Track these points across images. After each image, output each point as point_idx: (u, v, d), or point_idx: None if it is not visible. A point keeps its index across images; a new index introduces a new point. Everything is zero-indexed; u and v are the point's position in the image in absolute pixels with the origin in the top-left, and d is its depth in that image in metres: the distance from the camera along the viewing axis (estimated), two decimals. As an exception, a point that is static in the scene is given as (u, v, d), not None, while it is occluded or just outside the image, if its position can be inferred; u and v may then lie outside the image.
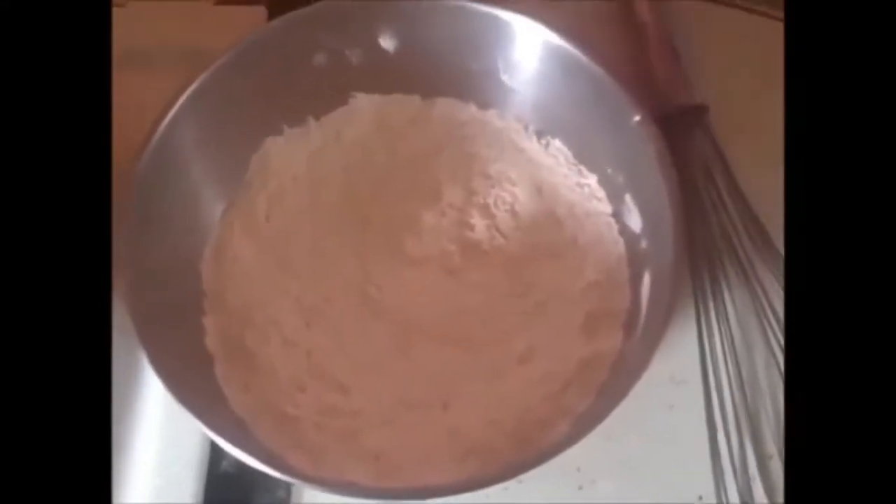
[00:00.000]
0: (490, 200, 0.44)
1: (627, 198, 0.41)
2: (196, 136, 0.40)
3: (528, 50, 0.42)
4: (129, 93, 0.41)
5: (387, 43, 0.44)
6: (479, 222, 0.44)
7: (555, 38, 0.41)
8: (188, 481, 0.39)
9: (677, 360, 0.41)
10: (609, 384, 0.38)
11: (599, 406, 0.37)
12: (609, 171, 0.42)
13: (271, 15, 0.48)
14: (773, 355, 0.40)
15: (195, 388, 0.36)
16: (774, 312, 0.40)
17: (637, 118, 0.39)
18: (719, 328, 0.41)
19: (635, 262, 0.41)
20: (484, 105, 0.45)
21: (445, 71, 0.44)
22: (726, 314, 0.41)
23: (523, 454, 0.37)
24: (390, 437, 0.38)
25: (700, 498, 0.38)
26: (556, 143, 0.44)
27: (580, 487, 0.39)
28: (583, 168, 0.44)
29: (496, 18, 0.42)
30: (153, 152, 0.38)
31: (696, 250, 0.42)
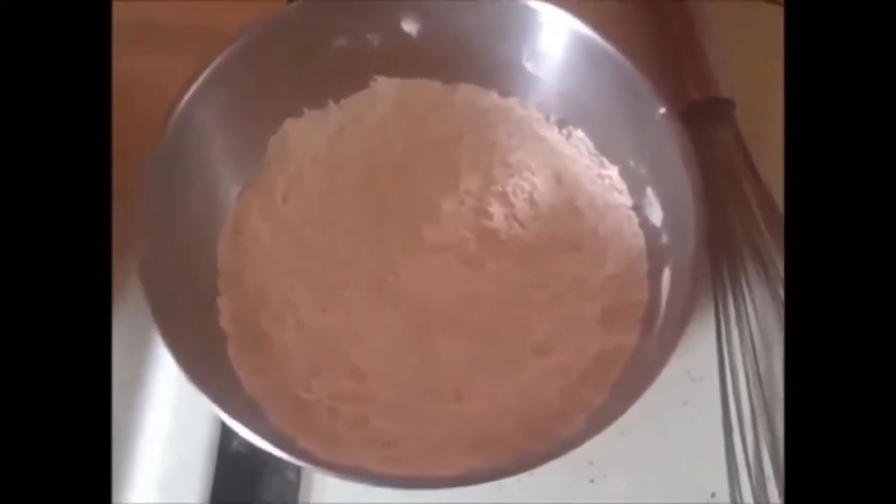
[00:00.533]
0: (509, 189, 0.44)
1: (649, 191, 0.41)
2: (215, 115, 0.40)
3: (555, 39, 0.41)
4: (146, 72, 0.42)
5: (409, 27, 0.43)
6: (497, 211, 0.43)
7: (583, 28, 0.40)
8: (199, 460, 0.39)
9: (694, 357, 0.40)
10: (625, 379, 0.38)
11: (616, 401, 0.37)
12: (631, 163, 0.42)
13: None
14: (792, 355, 0.40)
15: (208, 368, 0.36)
16: (794, 312, 0.40)
17: (662, 111, 0.38)
18: (738, 326, 0.40)
19: (655, 256, 0.40)
20: (506, 92, 0.45)
21: (468, 57, 0.44)
22: (746, 312, 0.41)
23: (536, 447, 0.37)
24: (403, 425, 0.38)
25: (713, 496, 0.38)
26: (578, 133, 0.44)
27: (592, 481, 0.39)
28: (604, 159, 0.43)
29: (523, 6, 0.41)
30: (173, 130, 0.38)
31: (717, 247, 0.42)
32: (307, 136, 0.44)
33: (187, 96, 0.38)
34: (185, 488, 0.38)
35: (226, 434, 0.39)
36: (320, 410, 0.38)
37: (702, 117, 0.45)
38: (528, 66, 0.43)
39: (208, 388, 0.34)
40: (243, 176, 0.43)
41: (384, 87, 0.45)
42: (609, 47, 0.39)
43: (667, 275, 0.39)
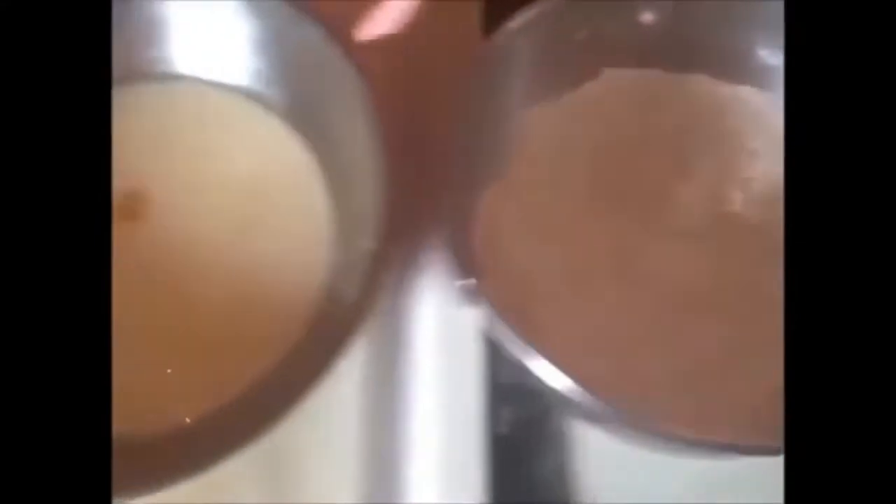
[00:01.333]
0: (747, 175, 0.45)
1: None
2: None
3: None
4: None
5: (646, 18, 0.44)
6: (736, 196, 0.44)
7: None
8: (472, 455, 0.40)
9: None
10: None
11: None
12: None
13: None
14: None
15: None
16: None
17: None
18: None
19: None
20: (740, 81, 0.45)
21: (701, 47, 0.45)
22: None
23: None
24: (678, 402, 0.39)
25: None
26: (817, 119, 0.44)
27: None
28: (846, 141, 0.44)
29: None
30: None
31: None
32: (544, 124, 0.45)
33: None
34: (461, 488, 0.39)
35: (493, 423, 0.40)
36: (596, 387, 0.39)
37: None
38: (764, 54, 0.44)
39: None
40: (491, 164, 0.44)
41: (617, 77, 0.46)
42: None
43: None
